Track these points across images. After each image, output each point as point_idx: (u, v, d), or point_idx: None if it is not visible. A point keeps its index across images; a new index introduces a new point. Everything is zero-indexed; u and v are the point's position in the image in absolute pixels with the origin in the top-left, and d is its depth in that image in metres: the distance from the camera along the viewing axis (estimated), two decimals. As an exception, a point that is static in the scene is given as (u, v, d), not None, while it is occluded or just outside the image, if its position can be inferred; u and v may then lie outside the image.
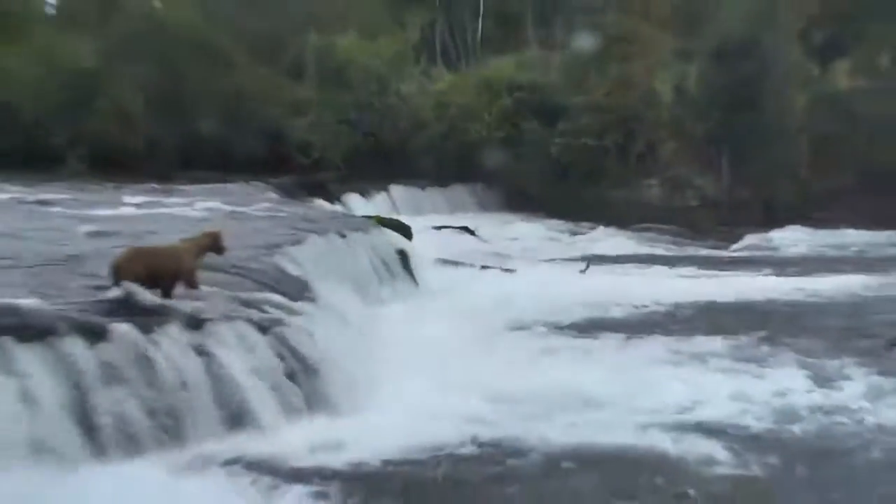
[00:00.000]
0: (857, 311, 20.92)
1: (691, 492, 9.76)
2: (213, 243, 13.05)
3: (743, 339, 17.13)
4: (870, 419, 12.37)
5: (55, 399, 9.61)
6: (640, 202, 44.94)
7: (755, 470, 10.49)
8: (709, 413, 12.39)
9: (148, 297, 11.76)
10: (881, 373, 14.50)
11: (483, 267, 26.98)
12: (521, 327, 18.49)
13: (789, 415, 12.47)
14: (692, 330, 18.08)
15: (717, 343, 16.71)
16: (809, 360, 15.42)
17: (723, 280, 26.15)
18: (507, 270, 27.00)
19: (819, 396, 13.32)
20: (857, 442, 11.53)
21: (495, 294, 22.30)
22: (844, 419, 12.37)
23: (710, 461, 10.61)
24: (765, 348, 16.45)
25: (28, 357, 9.71)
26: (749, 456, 10.80)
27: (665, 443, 11.13)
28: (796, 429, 11.95)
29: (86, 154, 53.48)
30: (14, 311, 10.56)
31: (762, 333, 17.59)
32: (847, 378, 14.30)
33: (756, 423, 12.10)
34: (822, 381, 14.10)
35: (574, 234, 39.91)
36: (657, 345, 16.78)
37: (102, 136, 52.93)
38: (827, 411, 12.64)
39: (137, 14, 57.84)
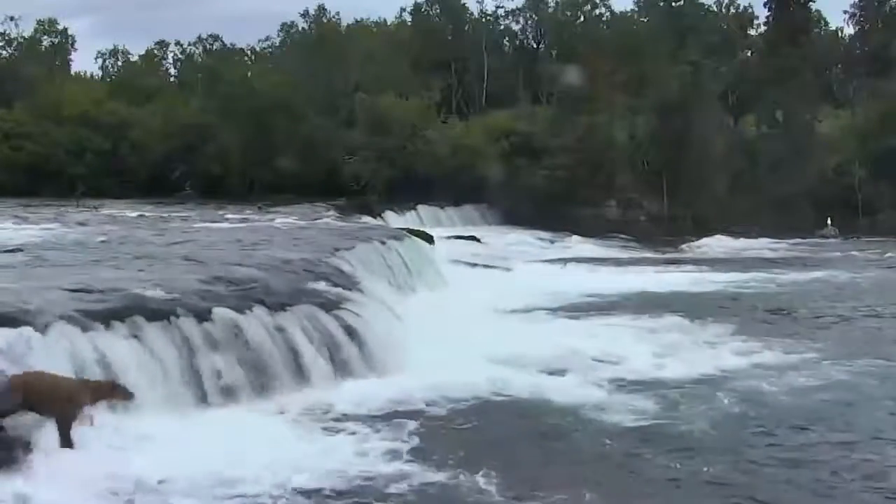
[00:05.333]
0: (764, 296, 20.81)
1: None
2: None
3: (679, 314, 16.73)
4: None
5: (173, 360, 9.62)
6: (603, 218, 44.93)
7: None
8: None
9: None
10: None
11: (487, 266, 26.82)
12: (518, 309, 18.31)
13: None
14: (642, 309, 17.88)
15: (667, 318, 16.40)
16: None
17: (663, 275, 25.84)
18: (505, 268, 26.85)
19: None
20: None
21: (497, 285, 22.19)
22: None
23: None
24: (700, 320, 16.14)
25: (154, 331, 9.74)
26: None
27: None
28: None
29: (197, 184, 53.79)
30: (143, 298, 10.60)
31: (693, 310, 17.34)
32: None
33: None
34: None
35: (554, 241, 39.62)
36: (620, 319, 16.68)
37: (209, 171, 53.23)
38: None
39: (235, 81, 58.14)
